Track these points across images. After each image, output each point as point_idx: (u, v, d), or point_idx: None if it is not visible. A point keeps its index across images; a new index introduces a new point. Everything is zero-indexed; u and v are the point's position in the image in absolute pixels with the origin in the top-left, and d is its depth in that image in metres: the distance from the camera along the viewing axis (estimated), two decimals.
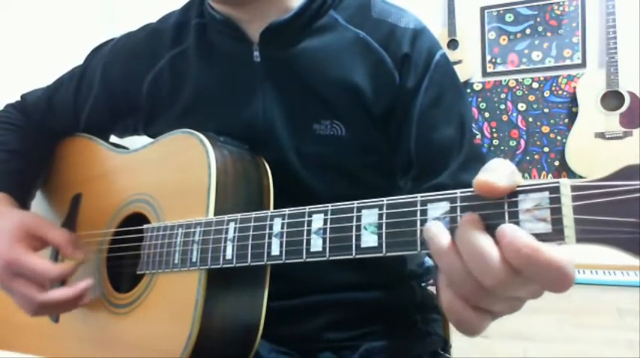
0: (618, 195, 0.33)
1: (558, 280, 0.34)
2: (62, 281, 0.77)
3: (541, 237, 0.36)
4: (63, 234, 0.73)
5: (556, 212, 0.36)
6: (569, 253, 0.34)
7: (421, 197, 0.43)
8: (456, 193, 0.41)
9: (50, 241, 0.72)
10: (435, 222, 0.42)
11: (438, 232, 0.40)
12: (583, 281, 2.77)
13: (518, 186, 0.38)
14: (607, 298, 2.60)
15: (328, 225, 0.49)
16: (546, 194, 0.36)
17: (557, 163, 3.12)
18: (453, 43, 3.25)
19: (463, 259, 0.38)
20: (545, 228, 0.36)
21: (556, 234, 0.36)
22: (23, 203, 0.82)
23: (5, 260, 0.67)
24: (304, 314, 0.75)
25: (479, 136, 3.27)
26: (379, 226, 0.45)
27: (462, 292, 0.40)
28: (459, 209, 0.40)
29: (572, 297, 2.54)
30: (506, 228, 0.36)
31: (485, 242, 0.37)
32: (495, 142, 3.26)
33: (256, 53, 0.72)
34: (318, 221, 0.49)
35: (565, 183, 0.35)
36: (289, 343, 0.75)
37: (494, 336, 2.17)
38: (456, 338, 0.87)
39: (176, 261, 0.62)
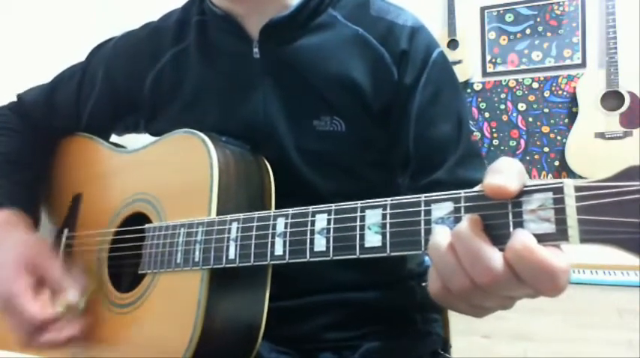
0: (621, 196, 0.33)
1: (547, 283, 0.35)
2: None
3: (545, 237, 0.36)
4: (62, 275, 0.69)
5: (560, 212, 0.36)
6: (567, 260, 0.35)
7: (425, 197, 0.43)
8: (460, 193, 0.41)
9: (48, 279, 0.68)
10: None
11: (437, 230, 0.41)
12: (583, 281, 2.76)
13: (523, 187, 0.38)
14: (607, 298, 2.59)
15: (332, 225, 0.49)
16: (550, 194, 0.36)
17: (557, 163, 3.12)
18: (453, 43, 3.25)
19: (458, 256, 0.39)
20: (550, 228, 0.36)
21: (560, 234, 0.36)
22: (33, 213, 0.80)
23: (4, 293, 0.65)
24: (304, 314, 0.75)
25: (478, 135, 3.27)
26: (383, 226, 0.45)
27: (451, 287, 0.41)
28: (462, 209, 0.41)
29: (573, 297, 2.53)
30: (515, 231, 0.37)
31: (481, 240, 0.38)
32: (495, 142, 3.26)
33: (256, 50, 0.73)
34: (321, 221, 0.50)
35: (569, 184, 0.36)
36: (289, 343, 0.75)
37: (494, 336, 2.17)
38: (456, 338, 0.87)
39: (178, 261, 0.62)
